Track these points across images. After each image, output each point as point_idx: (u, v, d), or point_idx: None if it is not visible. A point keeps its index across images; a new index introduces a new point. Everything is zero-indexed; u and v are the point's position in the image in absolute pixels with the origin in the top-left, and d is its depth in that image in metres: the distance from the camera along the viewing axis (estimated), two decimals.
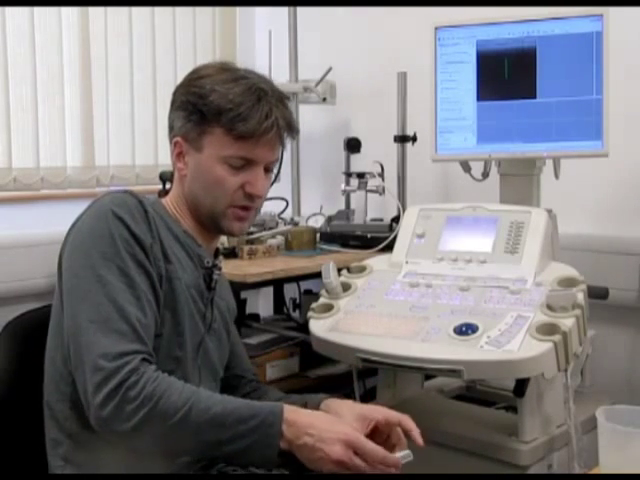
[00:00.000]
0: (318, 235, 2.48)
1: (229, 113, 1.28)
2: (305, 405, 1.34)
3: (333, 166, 2.85)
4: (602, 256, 2.23)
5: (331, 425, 1.20)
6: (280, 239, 2.42)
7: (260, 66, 2.69)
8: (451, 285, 1.70)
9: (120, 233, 1.22)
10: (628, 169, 2.25)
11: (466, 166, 2.15)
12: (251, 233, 2.31)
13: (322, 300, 1.76)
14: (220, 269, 1.43)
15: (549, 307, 1.55)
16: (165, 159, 2.71)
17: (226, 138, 1.30)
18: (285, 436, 1.16)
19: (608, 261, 2.22)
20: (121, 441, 1.16)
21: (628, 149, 2.17)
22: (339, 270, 1.81)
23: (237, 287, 1.93)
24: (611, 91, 1.89)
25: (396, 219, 2.45)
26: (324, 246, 2.44)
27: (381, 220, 2.60)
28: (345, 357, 1.68)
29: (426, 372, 1.75)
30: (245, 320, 2.41)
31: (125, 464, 1.18)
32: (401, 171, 2.57)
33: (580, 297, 1.57)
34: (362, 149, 2.74)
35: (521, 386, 1.64)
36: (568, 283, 1.62)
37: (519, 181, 2.04)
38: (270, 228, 2.43)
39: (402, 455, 1.22)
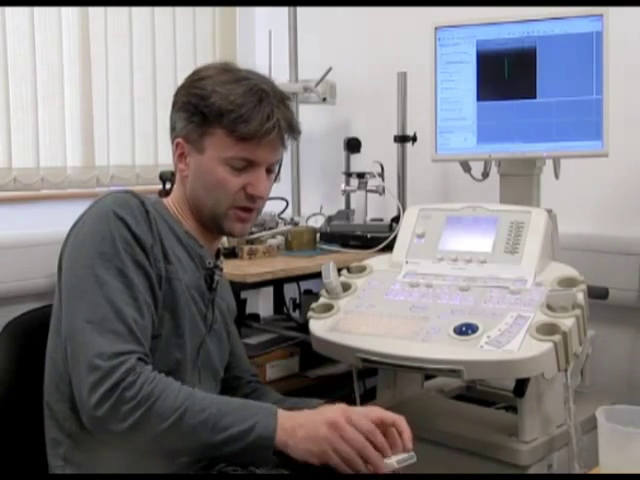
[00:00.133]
0: (318, 235, 2.48)
1: (231, 114, 1.28)
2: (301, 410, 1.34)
3: (333, 166, 2.85)
4: (602, 256, 2.23)
5: (319, 414, 1.20)
6: (280, 239, 2.42)
7: (260, 66, 2.69)
8: (451, 285, 1.70)
9: (120, 233, 1.22)
10: (628, 169, 2.25)
11: (466, 166, 2.15)
12: (251, 233, 2.31)
13: (322, 300, 1.76)
14: (222, 270, 1.43)
15: (549, 307, 1.55)
16: (165, 159, 2.71)
17: (228, 139, 1.30)
18: (279, 436, 1.16)
19: (608, 261, 2.22)
20: (115, 441, 1.16)
21: (628, 149, 2.17)
22: (339, 270, 1.81)
23: (237, 287, 1.93)
24: (611, 91, 1.89)
25: (396, 219, 2.45)
26: (324, 246, 2.44)
27: (381, 220, 2.60)
28: (345, 357, 1.68)
29: (426, 372, 1.75)
30: (245, 320, 2.41)
31: (125, 464, 1.18)
32: (401, 171, 2.57)
33: (580, 297, 1.57)
34: (362, 149, 2.74)
35: (521, 386, 1.64)
36: (568, 283, 1.62)
37: (519, 181, 2.04)
38: (270, 228, 2.44)
39: (402, 458, 1.21)
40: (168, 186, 2.28)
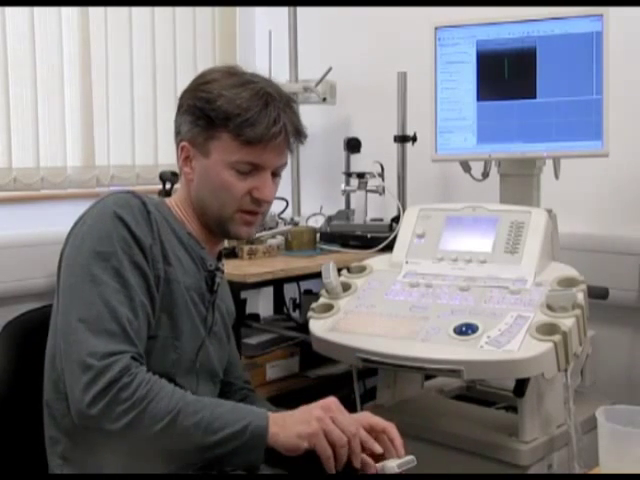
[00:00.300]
0: (318, 235, 2.48)
1: (237, 118, 1.27)
2: None
3: (333, 166, 2.85)
4: (602, 256, 2.23)
5: (309, 406, 1.22)
6: (280, 239, 2.42)
7: (260, 66, 2.69)
8: (451, 285, 1.70)
9: (119, 233, 1.22)
10: (628, 169, 2.25)
11: (466, 166, 2.15)
12: None
13: (322, 300, 1.76)
14: (223, 272, 1.43)
15: (549, 307, 1.55)
16: (165, 159, 2.71)
17: (234, 143, 1.29)
18: (271, 430, 1.17)
19: (608, 261, 2.22)
20: (108, 440, 1.15)
21: (628, 149, 2.17)
22: (339, 270, 1.81)
23: (237, 287, 1.93)
24: (611, 91, 1.89)
25: (396, 219, 2.45)
26: (324, 246, 2.45)
27: (381, 220, 2.60)
28: (345, 357, 1.68)
29: (426, 372, 1.74)
30: (245, 320, 2.41)
31: (123, 462, 1.18)
32: (401, 171, 2.57)
33: (580, 297, 1.57)
34: (362, 149, 2.74)
35: (521, 386, 1.64)
36: (568, 283, 1.62)
37: (519, 181, 2.04)
38: (270, 228, 2.44)
39: (403, 462, 1.22)
40: (168, 186, 2.28)
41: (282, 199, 2.56)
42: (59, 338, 1.22)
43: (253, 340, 2.33)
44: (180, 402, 1.15)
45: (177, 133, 1.36)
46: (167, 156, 2.72)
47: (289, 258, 2.29)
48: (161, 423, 1.13)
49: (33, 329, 1.39)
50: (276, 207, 2.53)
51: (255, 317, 2.63)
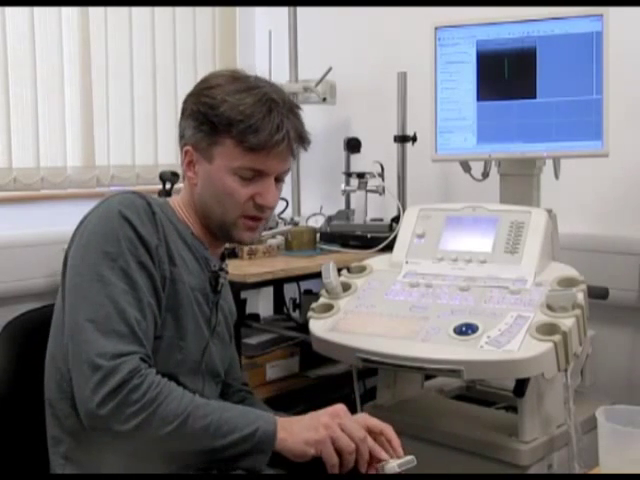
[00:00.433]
0: (318, 235, 2.48)
1: (240, 125, 1.26)
2: None
3: (333, 166, 2.86)
4: (602, 256, 2.23)
5: (317, 412, 1.23)
6: (280, 239, 2.42)
7: (260, 66, 2.70)
8: (451, 285, 1.70)
9: (125, 233, 1.22)
10: (628, 169, 2.25)
11: (466, 166, 2.15)
12: None
13: (322, 300, 1.76)
14: (227, 272, 1.43)
15: (549, 307, 1.55)
16: (165, 159, 2.71)
17: (237, 149, 1.28)
18: (279, 436, 1.17)
19: (608, 261, 2.22)
20: (116, 441, 1.16)
21: (628, 149, 2.17)
22: (339, 270, 1.81)
23: (237, 287, 1.93)
24: (611, 91, 1.89)
25: (396, 219, 2.45)
26: (324, 246, 2.45)
27: (381, 220, 2.61)
28: (345, 357, 1.68)
29: (426, 372, 1.74)
30: (245, 320, 2.41)
31: (125, 463, 1.18)
32: (401, 171, 2.57)
33: (580, 297, 1.57)
34: (362, 149, 2.74)
35: (521, 386, 1.64)
36: (568, 283, 1.62)
37: (519, 181, 2.04)
38: (270, 228, 2.44)
39: (403, 462, 1.22)
40: (168, 186, 2.28)
41: (282, 199, 2.55)
42: (66, 337, 1.21)
43: (253, 340, 2.33)
44: (189, 405, 1.16)
45: (181, 137, 1.36)
46: (167, 156, 2.72)
47: (289, 258, 2.29)
48: (170, 426, 1.13)
49: (33, 329, 1.39)
50: (276, 207, 2.53)
51: (255, 317, 2.63)
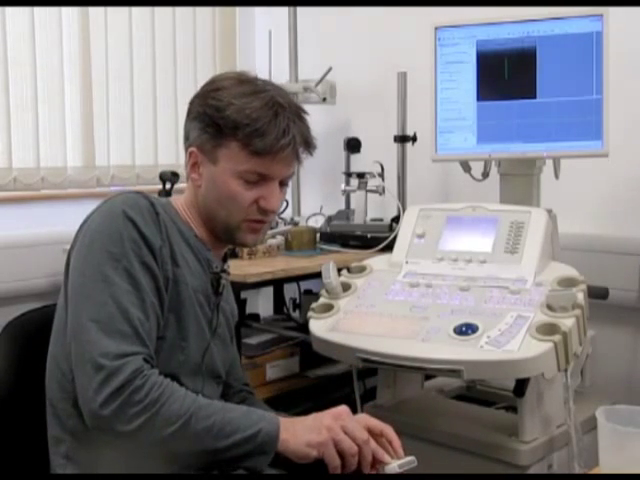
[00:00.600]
0: (318, 235, 2.49)
1: (246, 128, 1.26)
2: None
3: (333, 166, 2.85)
4: (602, 256, 2.23)
5: (320, 414, 1.23)
6: (280, 239, 2.42)
7: (260, 66, 2.70)
8: (451, 285, 1.70)
9: (129, 234, 1.22)
10: (628, 169, 2.25)
11: (466, 166, 2.15)
12: None
13: (322, 300, 1.76)
14: (229, 274, 1.43)
15: (549, 307, 1.55)
16: (165, 159, 2.72)
17: (242, 153, 1.28)
18: (282, 437, 1.18)
19: (608, 261, 2.22)
20: (119, 441, 1.16)
21: (628, 149, 2.17)
22: (339, 270, 1.81)
23: (237, 287, 1.93)
24: (611, 91, 1.89)
25: (396, 219, 2.45)
26: (324, 246, 2.45)
27: (381, 220, 2.61)
28: (345, 357, 1.68)
29: (426, 372, 1.74)
30: (245, 320, 2.41)
31: (126, 463, 1.18)
32: (401, 171, 2.57)
33: (580, 297, 1.57)
34: (362, 149, 2.74)
35: (521, 386, 1.64)
36: (568, 283, 1.62)
37: (519, 181, 2.04)
38: (270, 228, 2.43)
39: (404, 462, 1.22)
40: (168, 186, 2.28)
41: None
42: (69, 337, 1.21)
43: (253, 340, 2.33)
44: (192, 406, 1.16)
45: (186, 138, 1.35)
46: (167, 156, 2.72)
47: (289, 258, 2.29)
48: (173, 426, 1.13)
49: (34, 329, 1.39)
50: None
51: (255, 317, 2.63)
